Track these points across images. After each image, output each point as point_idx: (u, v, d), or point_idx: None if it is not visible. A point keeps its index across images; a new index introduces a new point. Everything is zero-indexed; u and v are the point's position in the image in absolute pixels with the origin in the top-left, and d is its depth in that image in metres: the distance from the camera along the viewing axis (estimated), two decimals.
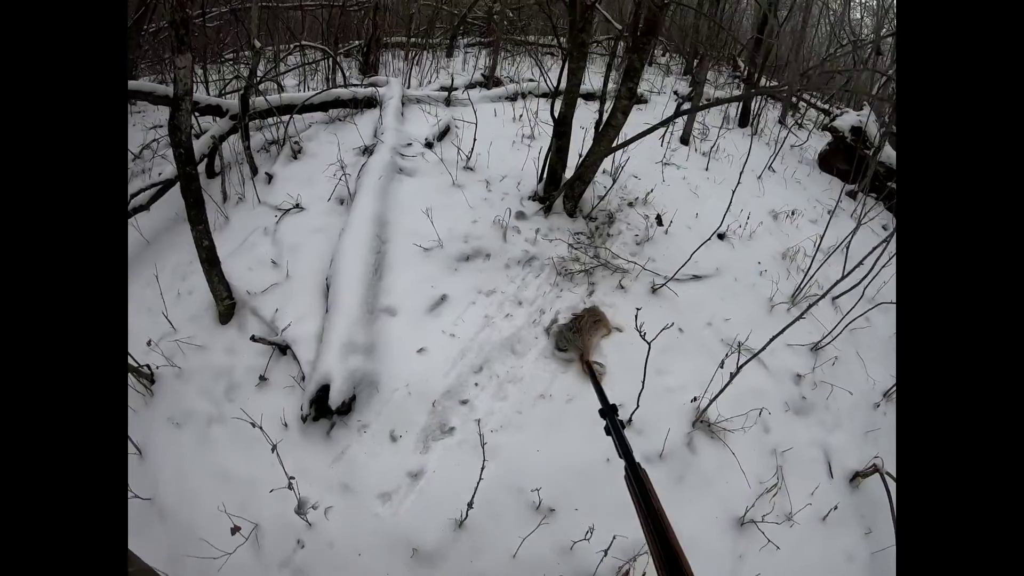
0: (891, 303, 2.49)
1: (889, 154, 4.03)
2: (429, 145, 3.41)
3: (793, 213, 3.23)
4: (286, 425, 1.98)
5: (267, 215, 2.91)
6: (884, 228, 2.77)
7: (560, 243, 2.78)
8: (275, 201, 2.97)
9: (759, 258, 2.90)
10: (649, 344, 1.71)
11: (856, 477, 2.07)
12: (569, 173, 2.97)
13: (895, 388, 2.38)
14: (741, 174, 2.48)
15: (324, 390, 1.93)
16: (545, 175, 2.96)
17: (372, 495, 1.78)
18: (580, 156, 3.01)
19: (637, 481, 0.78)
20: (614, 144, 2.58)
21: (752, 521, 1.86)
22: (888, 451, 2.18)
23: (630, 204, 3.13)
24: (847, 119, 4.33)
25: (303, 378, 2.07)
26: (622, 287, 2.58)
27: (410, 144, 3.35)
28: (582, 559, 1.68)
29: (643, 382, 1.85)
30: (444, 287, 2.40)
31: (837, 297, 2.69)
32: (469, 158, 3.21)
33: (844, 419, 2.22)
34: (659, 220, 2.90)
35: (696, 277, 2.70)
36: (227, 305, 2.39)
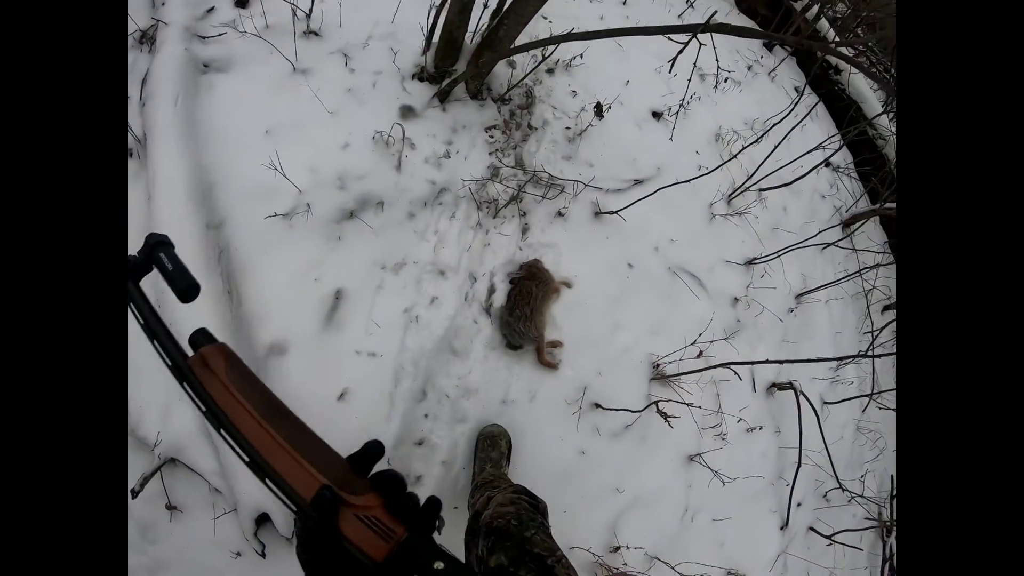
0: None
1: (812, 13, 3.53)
2: (241, 2, 1.89)
3: (725, 81, 2.73)
4: (239, 554, 1.48)
5: None
6: (796, 91, 2.52)
7: (473, 153, 2.01)
8: None
9: (696, 145, 2.50)
10: None
11: (772, 387, 2.29)
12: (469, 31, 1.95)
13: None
14: None
15: (264, 517, 1.44)
16: (437, 40, 1.91)
17: None
18: (485, 3, 1.96)
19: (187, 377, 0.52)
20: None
21: (700, 455, 2.00)
22: (792, 353, 2.41)
23: (550, 71, 2.31)
24: None
25: (217, 490, 1.48)
26: (560, 215, 2.05)
27: (211, 9, 1.83)
28: (581, 558, 1.68)
29: None
30: (333, 276, 1.63)
31: (765, 190, 2.54)
32: (310, 15, 1.89)
33: (766, 333, 2.33)
34: (598, 110, 2.20)
35: (638, 182, 2.27)
36: None
